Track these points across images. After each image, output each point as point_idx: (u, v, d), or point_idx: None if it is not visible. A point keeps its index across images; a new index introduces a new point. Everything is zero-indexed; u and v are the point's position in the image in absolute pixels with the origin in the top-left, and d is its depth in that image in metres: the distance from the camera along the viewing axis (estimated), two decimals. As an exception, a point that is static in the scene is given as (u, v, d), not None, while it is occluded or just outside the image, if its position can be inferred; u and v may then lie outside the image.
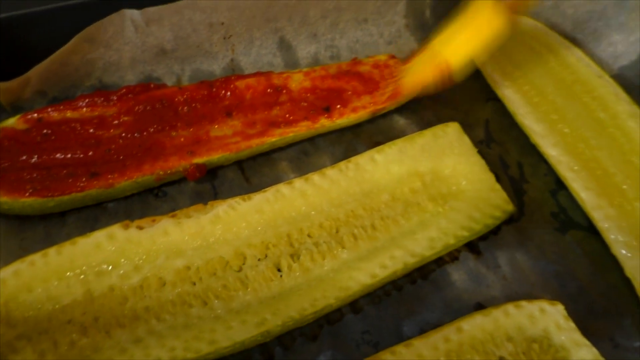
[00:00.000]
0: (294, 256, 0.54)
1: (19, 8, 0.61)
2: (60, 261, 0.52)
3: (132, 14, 0.64)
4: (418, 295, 0.55)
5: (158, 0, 0.64)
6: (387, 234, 0.56)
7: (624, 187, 0.58)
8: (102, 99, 0.64)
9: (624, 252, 0.54)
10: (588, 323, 0.53)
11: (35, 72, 0.63)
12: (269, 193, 0.57)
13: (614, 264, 0.56)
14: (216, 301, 0.51)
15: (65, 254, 0.52)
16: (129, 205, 0.60)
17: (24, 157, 0.59)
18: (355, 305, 0.54)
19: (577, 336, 0.50)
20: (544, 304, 0.51)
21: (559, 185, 0.62)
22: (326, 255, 0.54)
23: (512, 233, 0.59)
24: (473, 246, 0.58)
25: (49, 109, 0.62)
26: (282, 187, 0.58)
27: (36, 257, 0.52)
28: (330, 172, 0.59)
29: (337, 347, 0.51)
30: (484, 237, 0.58)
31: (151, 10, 0.64)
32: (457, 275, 0.56)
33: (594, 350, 0.49)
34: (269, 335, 0.50)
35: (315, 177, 0.59)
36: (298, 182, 0.58)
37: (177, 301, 0.51)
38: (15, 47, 0.63)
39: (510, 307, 0.51)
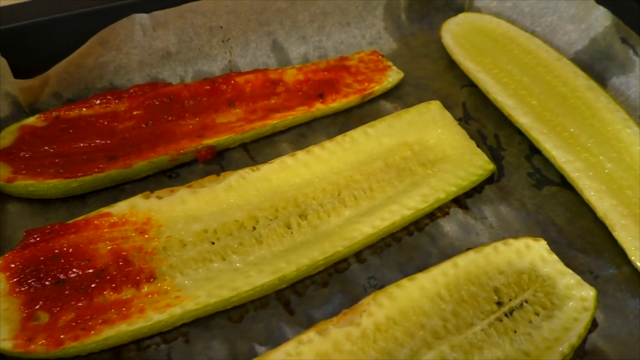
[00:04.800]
0: (302, 216, 0.59)
1: (40, 15, 0.68)
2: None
3: (140, 18, 0.70)
4: (415, 244, 0.60)
5: (164, 4, 0.71)
6: (384, 194, 0.62)
7: (588, 144, 0.66)
8: (114, 96, 0.70)
9: (594, 195, 0.61)
10: (569, 260, 0.59)
11: (54, 72, 0.68)
12: (275, 164, 0.63)
13: (587, 210, 0.63)
14: (234, 256, 0.56)
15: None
16: (145, 186, 0.64)
17: (45, 148, 0.64)
18: (360, 256, 0.59)
19: (561, 266, 0.56)
20: (529, 240, 0.58)
21: (532, 150, 0.70)
22: (331, 214, 0.60)
23: (494, 191, 0.66)
24: (461, 202, 0.64)
25: (65, 108, 0.68)
26: (287, 159, 0.64)
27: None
28: (329, 144, 0.65)
29: (346, 290, 0.56)
30: (469, 195, 0.65)
31: (158, 14, 0.71)
32: (449, 226, 0.62)
33: (577, 277, 0.55)
34: (285, 281, 0.54)
35: (315, 149, 0.65)
36: (300, 154, 0.64)
37: (198, 258, 0.55)
38: (34, 51, 0.69)
39: (499, 245, 0.57)
